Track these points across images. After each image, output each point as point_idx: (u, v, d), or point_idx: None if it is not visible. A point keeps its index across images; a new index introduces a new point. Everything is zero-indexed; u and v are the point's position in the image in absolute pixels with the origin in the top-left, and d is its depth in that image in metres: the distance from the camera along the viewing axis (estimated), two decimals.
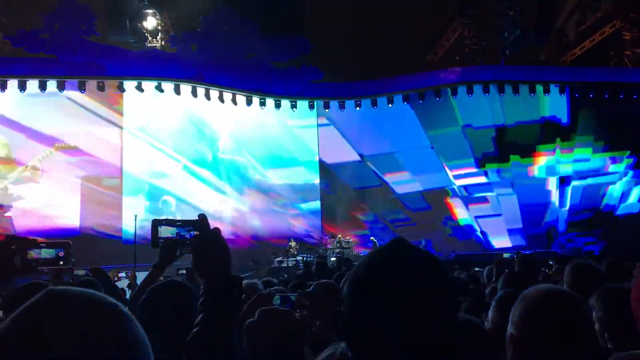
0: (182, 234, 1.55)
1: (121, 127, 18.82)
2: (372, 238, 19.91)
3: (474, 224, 21.44)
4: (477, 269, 11.40)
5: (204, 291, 1.34)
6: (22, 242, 1.81)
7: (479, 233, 21.40)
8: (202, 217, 1.49)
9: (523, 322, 1.49)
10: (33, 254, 1.82)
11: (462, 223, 21.50)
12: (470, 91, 20.48)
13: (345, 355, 1.02)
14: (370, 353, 0.96)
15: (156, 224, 1.56)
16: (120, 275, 9.11)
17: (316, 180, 21.63)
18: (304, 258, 17.22)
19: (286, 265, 16.65)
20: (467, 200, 21.42)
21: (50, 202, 17.78)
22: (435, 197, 21.44)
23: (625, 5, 21.68)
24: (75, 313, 0.68)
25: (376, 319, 0.96)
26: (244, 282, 3.73)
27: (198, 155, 19.91)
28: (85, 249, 15.79)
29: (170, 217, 1.56)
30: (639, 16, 21.87)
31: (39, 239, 1.92)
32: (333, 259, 17.03)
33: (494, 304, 2.07)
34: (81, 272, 6.47)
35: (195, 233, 1.51)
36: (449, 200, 21.56)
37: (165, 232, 1.55)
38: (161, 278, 2.33)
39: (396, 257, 1.01)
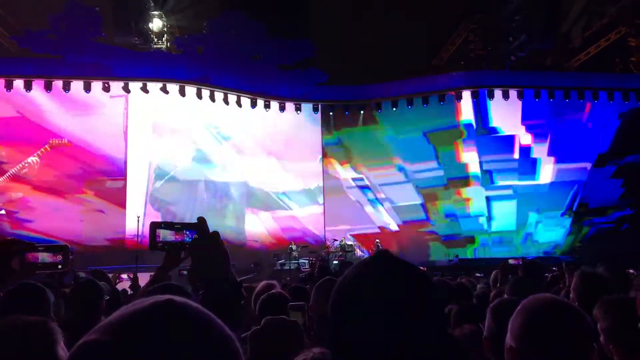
0: (180, 237, 1.52)
1: (126, 128, 18.84)
2: (377, 240, 19.85)
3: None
4: (478, 274, 11.45)
5: (203, 297, 1.29)
6: (20, 245, 1.80)
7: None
8: (201, 220, 1.45)
9: (522, 333, 1.47)
10: (31, 257, 1.81)
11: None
12: (474, 96, 20.49)
13: None
14: None
15: (154, 226, 1.54)
16: (122, 277, 9.11)
17: (319, 182, 21.66)
18: (310, 260, 17.22)
19: (288, 268, 16.66)
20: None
21: (52, 203, 17.78)
22: None
23: (631, 12, 21.62)
24: (189, 335, 0.60)
25: (359, 332, 0.96)
26: (245, 285, 3.77)
27: (202, 156, 19.93)
28: (88, 251, 15.88)
29: (169, 220, 1.54)
30: None
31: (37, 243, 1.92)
32: (335, 262, 17.01)
33: (489, 311, 2.07)
34: (82, 274, 6.46)
35: (194, 236, 1.48)
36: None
37: (164, 235, 1.53)
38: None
39: (380, 269, 1.01)
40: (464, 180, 20.98)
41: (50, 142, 17.78)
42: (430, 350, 0.95)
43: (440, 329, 0.99)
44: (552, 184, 20.93)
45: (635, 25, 21.87)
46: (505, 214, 20.96)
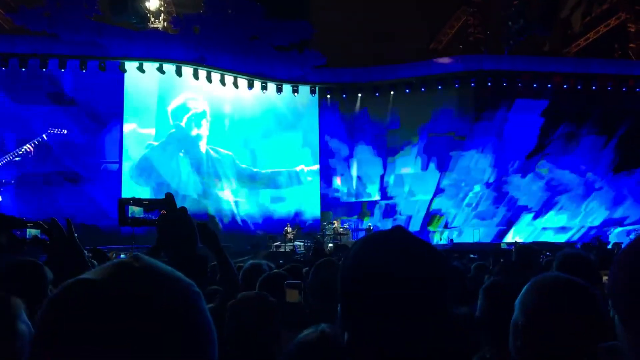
0: (149, 213, 1.54)
1: (123, 112, 18.80)
2: (369, 224, 19.91)
3: None
4: (472, 255, 11.53)
5: None
6: (8, 221, 1.79)
7: None
8: (169, 196, 1.48)
9: (533, 310, 1.46)
10: (19, 233, 1.81)
11: None
12: (473, 80, 20.43)
13: (325, 335, 1.03)
14: (366, 337, 0.98)
15: (123, 203, 1.56)
16: (120, 256, 9.15)
17: (315, 165, 21.66)
18: (305, 243, 17.29)
19: (283, 250, 16.73)
20: None
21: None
22: None
23: None
24: (158, 281, 0.74)
25: (371, 305, 0.97)
26: (250, 262, 3.78)
27: (196, 139, 19.89)
28: (85, 230, 15.88)
29: (138, 197, 1.55)
30: None
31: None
32: (330, 244, 17.07)
33: (482, 292, 2.08)
34: None
35: (162, 212, 1.49)
36: None
37: (133, 211, 1.54)
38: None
39: (393, 243, 1.02)
40: None
41: (49, 130, 17.78)
42: (434, 331, 0.97)
43: (445, 310, 1.00)
44: None
45: (634, 12, 21.77)
46: None
